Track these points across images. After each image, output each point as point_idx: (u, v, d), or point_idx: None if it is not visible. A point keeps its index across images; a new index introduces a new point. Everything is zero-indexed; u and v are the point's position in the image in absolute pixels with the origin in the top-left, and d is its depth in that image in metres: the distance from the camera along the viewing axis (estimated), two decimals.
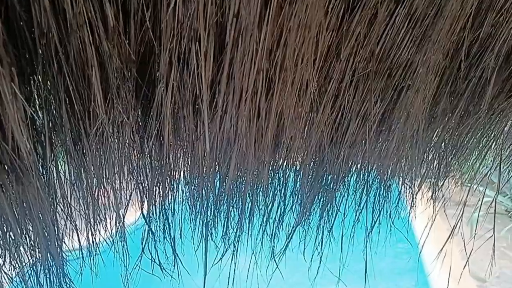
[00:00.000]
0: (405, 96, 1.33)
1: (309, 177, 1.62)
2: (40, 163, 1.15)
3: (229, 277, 1.59)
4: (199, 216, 1.59)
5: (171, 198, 1.50)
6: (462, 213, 1.87)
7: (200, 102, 1.17)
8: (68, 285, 1.41)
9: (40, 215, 1.17)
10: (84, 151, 1.20)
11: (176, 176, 1.46)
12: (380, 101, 1.35)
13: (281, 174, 1.62)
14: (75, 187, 1.27)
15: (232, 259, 1.65)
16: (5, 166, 1.01)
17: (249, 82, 1.11)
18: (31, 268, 1.34)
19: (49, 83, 1.04)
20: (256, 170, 1.46)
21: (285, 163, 1.55)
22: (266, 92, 1.18)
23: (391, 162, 1.61)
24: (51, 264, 1.35)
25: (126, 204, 1.42)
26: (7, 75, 0.87)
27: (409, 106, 1.32)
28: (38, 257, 1.31)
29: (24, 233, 1.20)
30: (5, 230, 1.18)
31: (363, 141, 1.49)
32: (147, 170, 1.39)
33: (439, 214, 2.07)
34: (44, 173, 1.17)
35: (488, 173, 1.94)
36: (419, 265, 4.69)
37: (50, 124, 1.11)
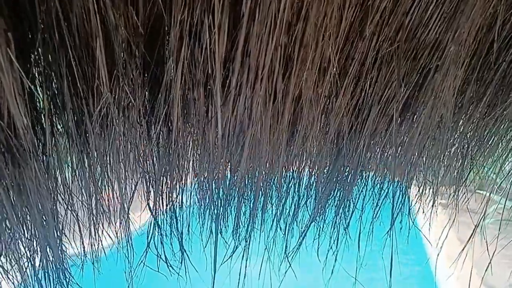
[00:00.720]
0: (432, 79, 1.23)
1: (325, 169, 1.52)
2: (39, 146, 1.06)
3: (239, 275, 1.50)
4: (208, 210, 1.49)
5: (179, 190, 1.41)
6: (484, 217, 1.77)
7: (212, 83, 1.09)
8: (68, 281, 1.32)
9: (39, 202, 1.09)
10: (87, 134, 1.11)
11: (185, 166, 1.37)
12: (404, 85, 1.26)
13: (296, 165, 1.52)
14: (77, 174, 1.19)
15: (243, 256, 1.55)
16: (0, 145, 0.93)
17: (266, 60, 1.03)
18: (29, 262, 1.25)
19: (50, 57, 0.96)
20: (270, 160, 1.37)
21: (300, 153, 1.45)
22: (283, 71, 1.09)
23: (413, 154, 1.51)
24: (50, 257, 1.26)
25: (131, 194, 1.33)
26: (2, 41, 0.78)
27: (436, 90, 1.22)
28: (36, 250, 1.22)
29: (21, 222, 1.11)
30: (0, 218, 1.09)
31: (385, 130, 1.39)
32: (154, 158, 1.30)
33: (447, 221, 1.98)
34: (43, 157, 1.08)
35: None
36: (427, 271, 4.58)
37: (51, 102, 1.02)
